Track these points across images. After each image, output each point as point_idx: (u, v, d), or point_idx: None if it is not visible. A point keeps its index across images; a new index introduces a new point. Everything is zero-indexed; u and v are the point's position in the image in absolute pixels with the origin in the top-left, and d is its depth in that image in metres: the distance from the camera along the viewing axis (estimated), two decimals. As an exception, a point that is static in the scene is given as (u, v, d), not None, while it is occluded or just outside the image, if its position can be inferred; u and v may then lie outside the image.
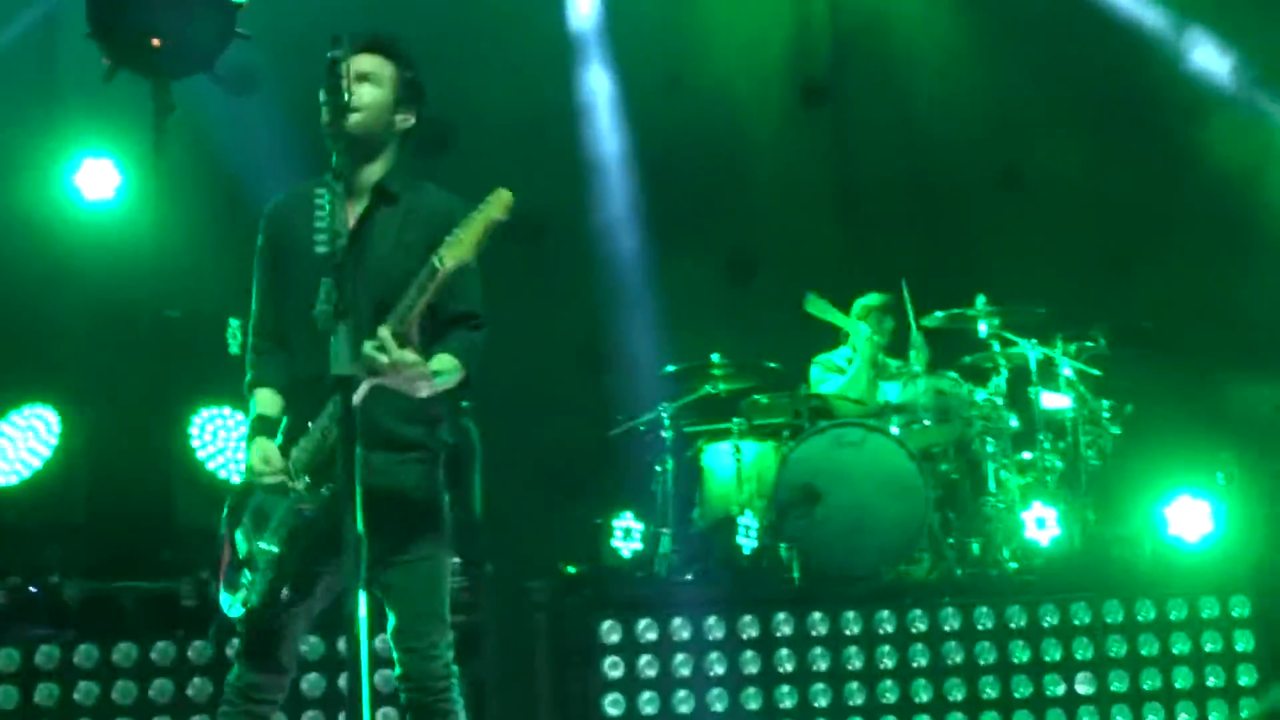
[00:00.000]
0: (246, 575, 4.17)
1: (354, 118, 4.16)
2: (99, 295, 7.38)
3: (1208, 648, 6.53)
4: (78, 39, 7.30)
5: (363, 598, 3.62)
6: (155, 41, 7.22)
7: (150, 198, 7.45)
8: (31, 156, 7.82)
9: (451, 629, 4.28)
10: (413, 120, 4.43)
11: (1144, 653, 6.48)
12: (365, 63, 4.29)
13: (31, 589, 6.20)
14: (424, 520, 4.27)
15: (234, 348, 6.31)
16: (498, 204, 3.98)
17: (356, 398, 3.97)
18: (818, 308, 7.58)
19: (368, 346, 3.91)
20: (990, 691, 6.36)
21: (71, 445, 6.78)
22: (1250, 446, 7.44)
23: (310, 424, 4.10)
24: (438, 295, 4.05)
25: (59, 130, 7.87)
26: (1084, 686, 6.41)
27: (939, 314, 7.52)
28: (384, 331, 3.87)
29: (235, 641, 4.38)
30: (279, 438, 4.13)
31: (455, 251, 3.94)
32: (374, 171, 4.31)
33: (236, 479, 4.76)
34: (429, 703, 4.20)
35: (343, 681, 5.85)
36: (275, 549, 4.12)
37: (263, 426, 4.15)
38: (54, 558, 6.39)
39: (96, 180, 7.67)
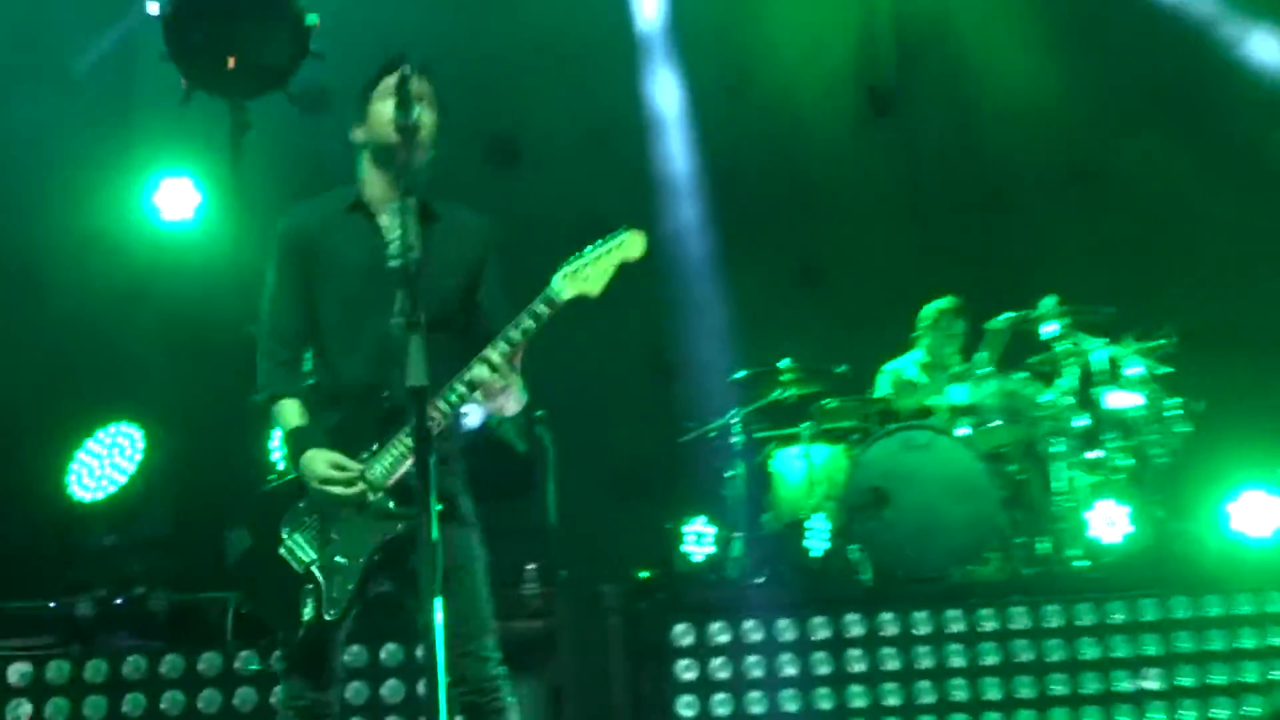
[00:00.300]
0: (313, 591, 4.24)
1: (421, 134, 4.28)
2: (179, 313, 7.56)
3: (1276, 642, 6.59)
4: (154, 61, 7.48)
5: (439, 604, 3.79)
6: (230, 62, 7.39)
7: (229, 216, 7.65)
8: (110, 177, 8.01)
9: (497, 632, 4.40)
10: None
11: (1214, 645, 6.56)
12: (419, 86, 4.33)
13: (118, 601, 6.37)
14: (462, 527, 4.37)
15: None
16: (632, 243, 4.09)
17: (474, 420, 4.13)
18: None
19: (479, 370, 4.04)
20: (1059, 688, 6.41)
21: (155, 461, 6.94)
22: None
23: (377, 438, 4.21)
24: (490, 322, 4.20)
25: (137, 151, 8.07)
26: (1152, 683, 6.48)
27: (1007, 315, 7.54)
28: (496, 356, 4.00)
29: (281, 660, 4.46)
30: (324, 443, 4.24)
31: (576, 285, 4.07)
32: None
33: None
34: (484, 704, 4.27)
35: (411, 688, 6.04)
36: (358, 562, 4.22)
37: (309, 438, 4.24)
38: (140, 571, 6.56)
39: (175, 200, 7.86)
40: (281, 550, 4.23)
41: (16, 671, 5.92)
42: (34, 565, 6.70)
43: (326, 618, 4.15)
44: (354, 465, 4.10)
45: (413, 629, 4.35)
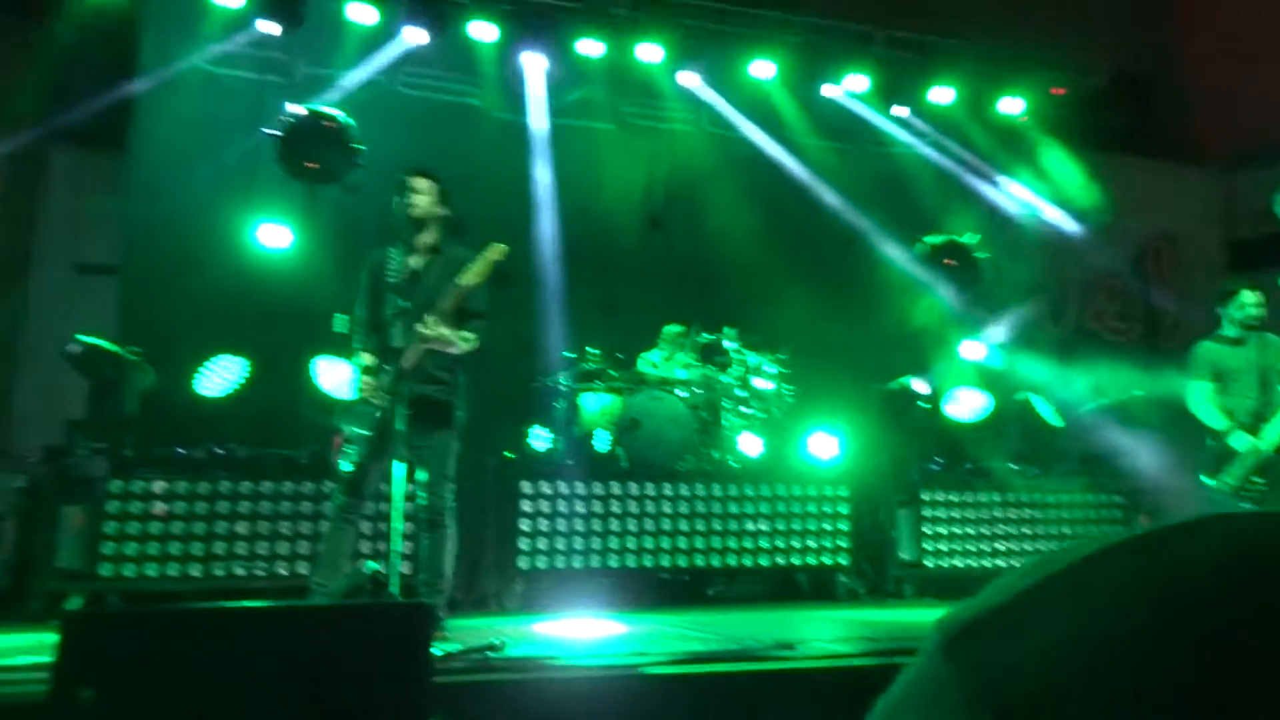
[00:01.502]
0: (354, 447, 4.18)
1: (413, 210, 4.23)
2: (271, 297, 7.17)
3: (826, 509, 6.74)
4: (270, 160, 7.22)
5: (403, 465, 3.69)
6: (312, 165, 7.17)
7: (304, 247, 7.38)
8: (239, 220, 7.61)
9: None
10: (447, 211, 4.47)
11: (795, 510, 6.69)
12: (418, 182, 4.36)
13: (218, 450, 6.11)
14: (442, 421, 4.33)
15: (337, 327, 6.25)
16: (495, 252, 4.16)
17: (412, 357, 4.09)
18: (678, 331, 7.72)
19: (420, 328, 4.04)
20: (718, 525, 6.52)
21: (251, 376, 6.67)
22: (854, 413, 7.65)
23: (385, 370, 4.16)
24: (463, 302, 4.19)
25: (257, 206, 7.65)
26: (765, 525, 6.59)
27: (707, 335, 7.55)
28: (430, 319, 4.02)
29: (337, 483, 4.35)
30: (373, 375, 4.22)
31: (467, 277, 4.08)
32: (427, 238, 4.34)
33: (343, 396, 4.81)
34: (436, 519, 4.24)
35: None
36: (368, 433, 4.16)
37: (368, 371, 4.22)
38: (233, 433, 6.27)
39: (275, 236, 7.53)
40: (342, 428, 4.24)
41: (158, 485, 5.66)
42: (175, 430, 6.34)
43: (360, 462, 4.17)
44: (379, 389, 4.16)
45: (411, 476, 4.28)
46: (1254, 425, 5.53)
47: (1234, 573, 0.29)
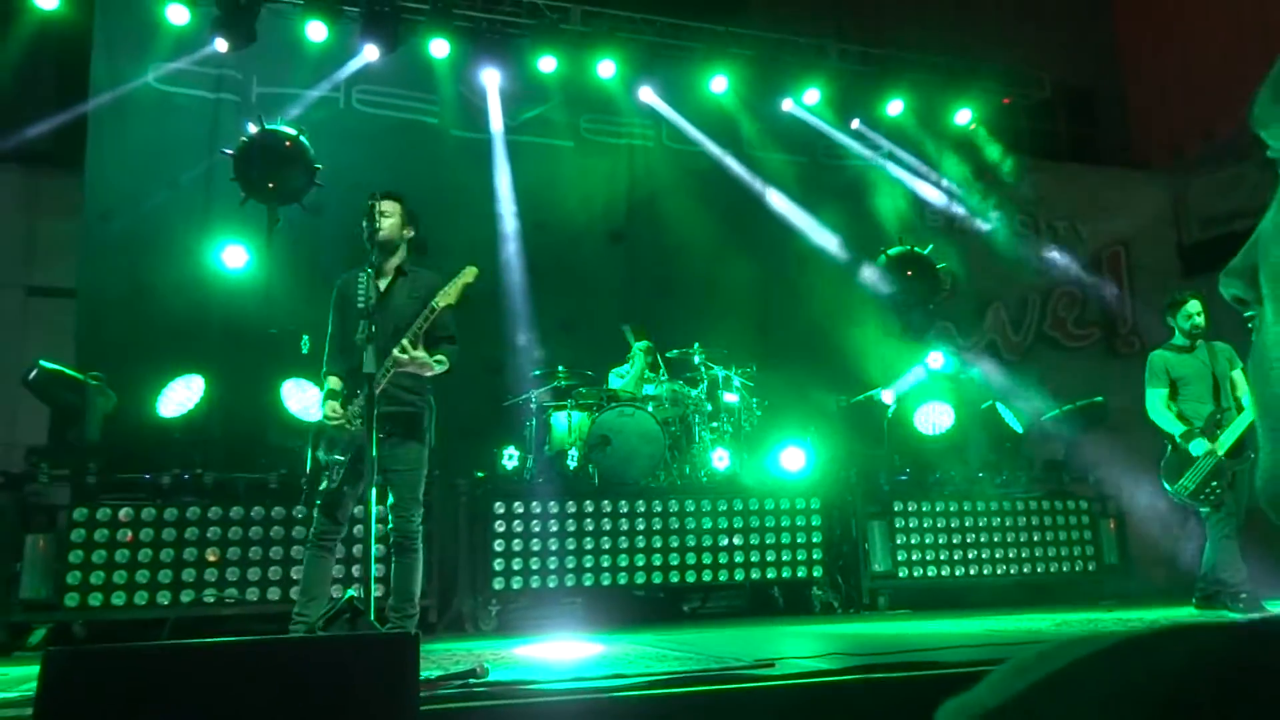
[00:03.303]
0: (327, 473, 4.15)
1: (380, 233, 4.21)
2: (231, 316, 7.12)
3: (799, 521, 6.77)
4: (226, 180, 7.12)
5: (374, 489, 3.66)
6: (270, 185, 7.08)
7: (263, 268, 7.26)
8: (198, 240, 7.51)
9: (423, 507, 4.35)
10: (413, 233, 4.48)
11: (768, 524, 6.71)
12: (385, 205, 4.36)
13: (185, 475, 5.97)
14: (413, 444, 4.32)
15: (305, 349, 6.17)
16: (470, 274, 4.13)
17: (384, 381, 4.06)
18: (628, 332, 7.73)
19: (396, 350, 4.03)
20: (691, 541, 6.52)
21: (212, 397, 6.52)
22: (821, 425, 7.71)
23: (357, 395, 4.12)
24: (432, 325, 4.16)
25: (215, 228, 7.55)
26: (739, 539, 6.60)
27: (675, 350, 7.56)
28: (405, 342, 3.98)
29: (316, 508, 4.29)
30: (339, 399, 4.17)
31: (442, 300, 4.07)
32: (394, 261, 4.34)
33: (313, 418, 4.82)
34: (405, 543, 4.21)
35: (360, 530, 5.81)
36: (344, 459, 4.13)
37: (332, 395, 4.15)
38: (199, 458, 6.11)
39: (234, 257, 7.41)
40: (317, 454, 4.19)
41: (124, 512, 5.53)
42: (136, 454, 6.19)
43: (332, 487, 4.13)
44: (341, 411, 4.13)
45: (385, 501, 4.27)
46: (1210, 430, 5.69)
47: (1200, 683, 0.34)
